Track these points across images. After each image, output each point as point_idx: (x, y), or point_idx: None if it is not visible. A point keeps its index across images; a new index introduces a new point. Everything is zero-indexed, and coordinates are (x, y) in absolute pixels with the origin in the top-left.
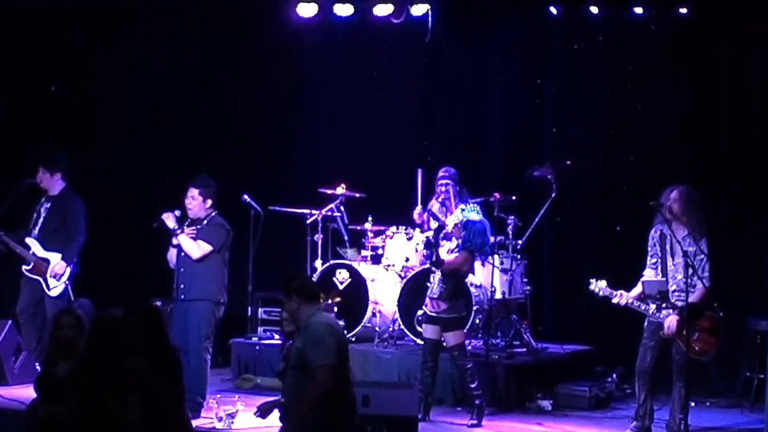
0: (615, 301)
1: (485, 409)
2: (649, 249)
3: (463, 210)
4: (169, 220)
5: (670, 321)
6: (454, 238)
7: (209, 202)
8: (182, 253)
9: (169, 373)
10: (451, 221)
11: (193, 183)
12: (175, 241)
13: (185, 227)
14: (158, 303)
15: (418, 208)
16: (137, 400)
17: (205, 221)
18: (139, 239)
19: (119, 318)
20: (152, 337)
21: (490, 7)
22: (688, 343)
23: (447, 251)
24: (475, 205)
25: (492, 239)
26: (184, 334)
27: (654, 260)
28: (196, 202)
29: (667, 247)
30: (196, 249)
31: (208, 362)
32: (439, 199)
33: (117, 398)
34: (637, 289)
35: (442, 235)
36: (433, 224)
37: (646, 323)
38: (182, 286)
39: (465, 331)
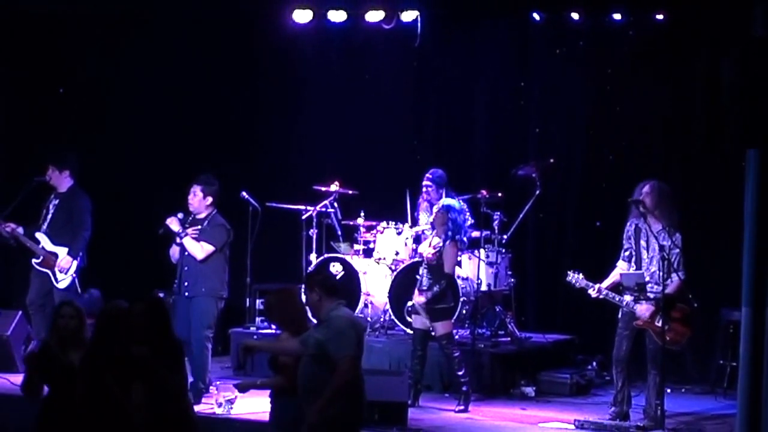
0: (591, 293)
1: (472, 395)
2: (624, 241)
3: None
4: (173, 224)
5: (643, 309)
6: (437, 231)
7: (209, 199)
8: (186, 252)
9: (172, 362)
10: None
11: (197, 180)
12: (178, 241)
13: (188, 228)
14: (161, 295)
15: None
16: (141, 388)
17: (206, 222)
18: (142, 234)
19: (124, 309)
20: (156, 327)
21: (476, 14)
22: (662, 334)
23: (429, 245)
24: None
25: (477, 233)
26: (187, 327)
27: (627, 252)
28: (197, 198)
29: (642, 241)
30: (200, 250)
31: (210, 351)
32: (424, 199)
33: (122, 386)
34: (611, 279)
35: (428, 224)
36: (422, 219)
37: (620, 314)
38: (186, 283)
39: (452, 321)
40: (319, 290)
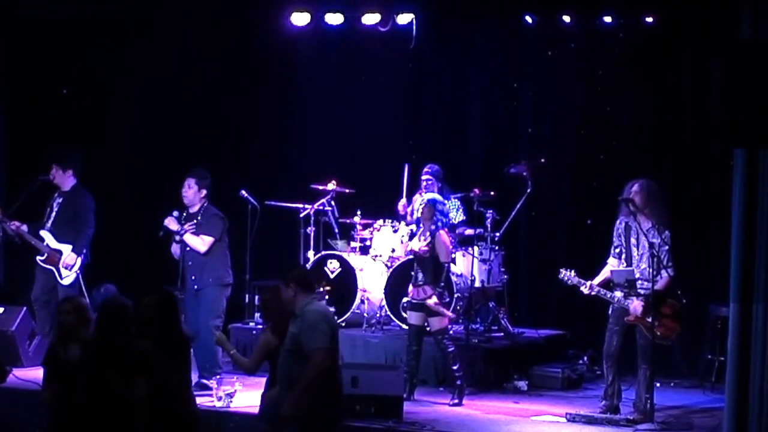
0: (583, 290)
1: (466, 389)
2: (614, 239)
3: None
4: (172, 224)
5: (635, 305)
6: (424, 223)
7: (203, 192)
8: (187, 248)
9: (177, 356)
10: (417, 210)
11: (190, 174)
12: (178, 239)
13: (185, 225)
14: None
15: (403, 200)
16: (143, 382)
17: (200, 214)
18: (144, 232)
19: (127, 305)
20: (166, 320)
21: (470, 16)
22: (652, 329)
23: (419, 240)
24: (456, 199)
25: (471, 231)
26: (197, 321)
27: (618, 249)
28: (191, 190)
29: (632, 239)
30: (201, 243)
31: None
32: (423, 194)
33: (124, 381)
34: (602, 276)
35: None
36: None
37: (610, 309)
38: (193, 277)
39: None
40: (294, 286)
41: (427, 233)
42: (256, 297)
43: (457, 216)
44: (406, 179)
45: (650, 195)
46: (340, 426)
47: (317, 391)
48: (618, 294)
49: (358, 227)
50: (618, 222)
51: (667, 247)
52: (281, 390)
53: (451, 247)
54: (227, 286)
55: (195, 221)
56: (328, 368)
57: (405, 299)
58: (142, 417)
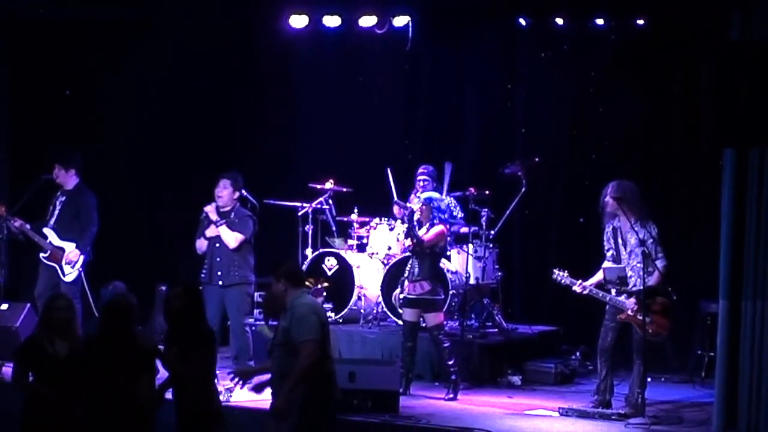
0: (576, 289)
1: (461, 384)
2: (605, 244)
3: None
4: (213, 213)
5: (631, 304)
6: (423, 222)
7: (237, 194)
8: (217, 244)
9: (200, 348)
10: (415, 207)
11: (226, 175)
12: (208, 233)
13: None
14: (163, 288)
15: (396, 207)
16: (147, 378)
17: (233, 214)
18: (146, 230)
19: (133, 302)
20: (191, 312)
21: (465, 19)
22: (643, 325)
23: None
24: (449, 197)
25: (466, 229)
26: (218, 315)
27: (610, 253)
28: (227, 191)
29: (619, 239)
30: (233, 239)
31: (250, 334)
32: (418, 194)
33: (129, 377)
34: (596, 278)
35: (416, 221)
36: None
37: (607, 306)
38: (219, 273)
39: (443, 312)
40: (284, 281)
41: (424, 229)
42: (256, 294)
43: (456, 212)
44: (392, 183)
45: (624, 193)
46: (337, 417)
47: (310, 383)
48: (612, 292)
49: (355, 225)
50: (606, 227)
51: (651, 240)
52: (275, 384)
53: (435, 237)
54: (251, 284)
55: (227, 219)
56: (318, 359)
57: (401, 296)
58: (147, 413)
